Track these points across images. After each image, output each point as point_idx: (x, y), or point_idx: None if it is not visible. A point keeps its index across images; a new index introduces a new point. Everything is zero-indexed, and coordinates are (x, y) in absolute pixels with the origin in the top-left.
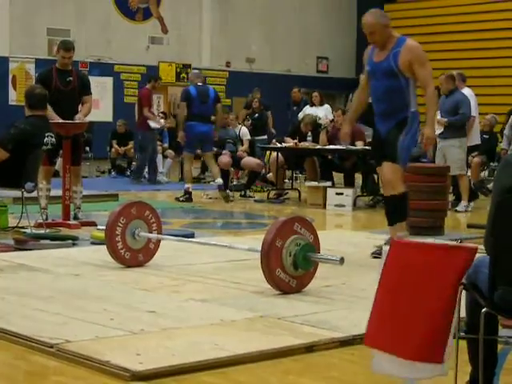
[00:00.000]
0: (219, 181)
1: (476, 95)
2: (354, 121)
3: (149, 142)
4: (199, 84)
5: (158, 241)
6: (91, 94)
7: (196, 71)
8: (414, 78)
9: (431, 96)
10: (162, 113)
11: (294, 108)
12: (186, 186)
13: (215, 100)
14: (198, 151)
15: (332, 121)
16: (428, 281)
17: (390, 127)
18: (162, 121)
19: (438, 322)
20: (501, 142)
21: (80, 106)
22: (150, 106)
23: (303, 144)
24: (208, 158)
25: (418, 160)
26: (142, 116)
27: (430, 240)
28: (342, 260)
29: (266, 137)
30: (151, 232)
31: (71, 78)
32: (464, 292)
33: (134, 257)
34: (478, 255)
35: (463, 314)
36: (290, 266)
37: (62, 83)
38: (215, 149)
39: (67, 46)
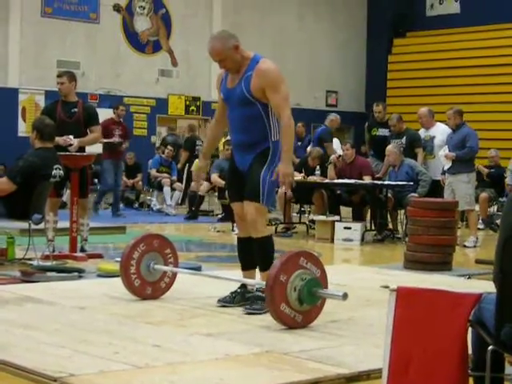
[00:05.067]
0: None
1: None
2: (209, 155)
3: None
4: None
5: (173, 278)
6: (99, 124)
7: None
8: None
9: (286, 126)
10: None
11: (299, 143)
12: None
13: None
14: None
15: (340, 156)
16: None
17: (250, 161)
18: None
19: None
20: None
21: None
22: None
23: (311, 178)
24: None
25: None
26: None
27: (436, 276)
28: (345, 295)
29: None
30: (167, 265)
31: (76, 110)
32: (470, 329)
33: (156, 289)
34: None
35: (469, 350)
36: (295, 301)
37: (67, 115)
38: None
39: (59, 73)
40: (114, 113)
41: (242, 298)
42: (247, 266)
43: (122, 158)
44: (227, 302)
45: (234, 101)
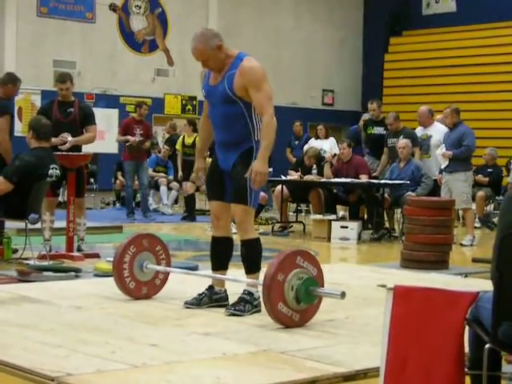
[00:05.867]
0: None
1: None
2: (203, 154)
3: None
4: None
5: (167, 274)
6: (95, 124)
7: None
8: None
9: (267, 124)
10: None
11: (296, 142)
12: None
13: None
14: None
15: (335, 155)
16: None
17: (233, 161)
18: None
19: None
20: (506, 176)
21: None
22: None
23: (308, 177)
24: None
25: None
26: None
27: (433, 275)
28: (343, 294)
29: (271, 169)
30: (159, 264)
31: (72, 110)
32: (466, 327)
33: (151, 287)
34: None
35: (466, 349)
36: (293, 300)
37: (62, 114)
38: None
39: (62, 79)
40: (136, 111)
41: (209, 300)
42: (219, 267)
43: (145, 158)
44: (194, 304)
45: (216, 98)
